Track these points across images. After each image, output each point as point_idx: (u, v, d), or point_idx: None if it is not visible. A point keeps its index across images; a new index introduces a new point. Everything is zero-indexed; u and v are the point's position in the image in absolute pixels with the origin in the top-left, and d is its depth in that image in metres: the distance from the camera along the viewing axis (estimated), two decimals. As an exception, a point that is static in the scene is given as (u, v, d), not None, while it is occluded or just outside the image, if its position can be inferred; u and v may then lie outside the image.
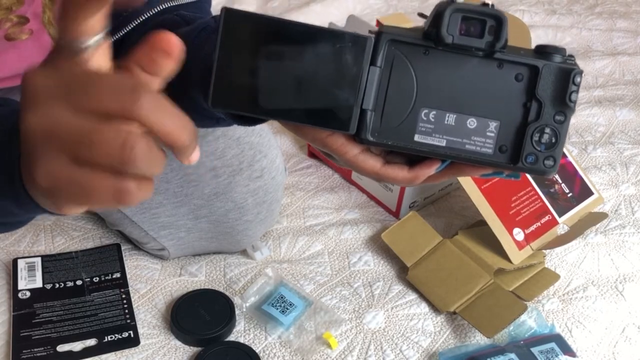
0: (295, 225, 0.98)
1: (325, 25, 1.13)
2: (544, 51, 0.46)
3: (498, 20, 0.44)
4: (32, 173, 0.39)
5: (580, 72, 0.46)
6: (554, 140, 0.46)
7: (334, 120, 0.46)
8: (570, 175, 0.97)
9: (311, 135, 0.50)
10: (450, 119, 0.47)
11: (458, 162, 0.48)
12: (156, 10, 0.74)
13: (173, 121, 0.37)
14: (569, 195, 0.96)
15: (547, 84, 0.46)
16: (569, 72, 0.45)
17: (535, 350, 0.77)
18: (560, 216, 0.94)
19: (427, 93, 0.46)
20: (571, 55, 0.47)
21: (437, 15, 0.45)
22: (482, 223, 0.90)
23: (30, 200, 0.46)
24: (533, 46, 0.48)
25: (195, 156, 0.40)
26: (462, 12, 0.44)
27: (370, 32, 0.48)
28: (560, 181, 0.96)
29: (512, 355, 0.76)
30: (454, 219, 0.99)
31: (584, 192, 0.97)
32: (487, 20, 0.44)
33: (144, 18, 0.75)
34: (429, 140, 0.47)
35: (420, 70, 0.46)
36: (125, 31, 0.75)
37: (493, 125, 0.47)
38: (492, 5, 0.45)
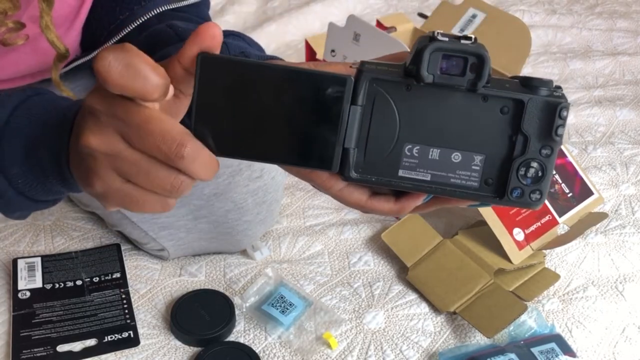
0: (295, 225, 0.98)
1: (325, 26, 1.13)
2: (529, 84, 0.45)
3: (480, 58, 0.43)
4: (87, 181, 0.47)
5: (567, 106, 0.45)
6: (540, 174, 0.46)
7: (317, 160, 0.46)
8: (570, 175, 0.97)
9: (295, 170, 0.50)
10: (435, 153, 0.47)
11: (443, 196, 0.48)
12: (152, 14, 0.74)
13: (206, 169, 0.44)
14: (569, 195, 0.95)
15: (533, 118, 0.45)
16: (555, 105, 0.45)
17: (535, 350, 0.77)
18: (560, 216, 0.94)
19: (410, 128, 0.46)
20: (558, 87, 0.46)
21: (417, 54, 0.44)
22: (482, 223, 0.90)
23: (75, 184, 0.54)
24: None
25: None
26: (442, 51, 0.43)
27: (352, 66, 0.47)
28: (560, 181, 0.96)
29: (512, 356, 0.76)
30: (454, 219, 0.99)
31: (584, 192, 0.97)
32: (469, 58, 0.44)
33: (141, 21, 0.75)
34: (413, 175, 0.47)
35: (402, 106, 0.46)
36: (123, 34, 0.75)
37: (478, 158, 0.47)
38: (475, 39, 0.44)
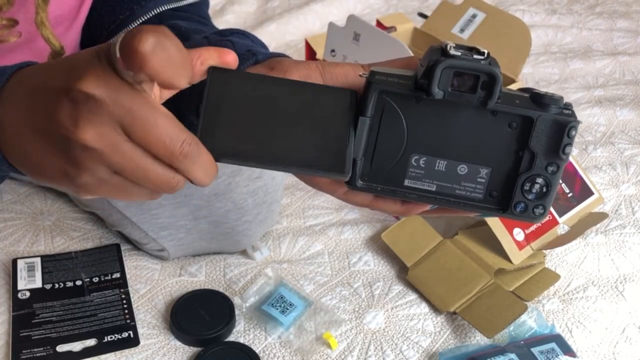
0: (295, 225, 0.98)
1: (325, 26, 1.13)
2: (540, 101, 0.45)
3: (492, 77, 0.43)
4: (68, 172, 0.43)
5: (576, 125, 0.45)
6: (545, 190, 0.46)
7: (328, 166, 0.45)
8: (571, 175, 0.97)
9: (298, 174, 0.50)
10: (441, 165, 0.47)
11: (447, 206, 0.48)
12: (152, 14, 0.74)
13: (205, 172, 0.42)
14: (569, 195, 0.95)
15: (541, 136, 0.45)
16: (564, 124, 0.44)
17: (535, 350, 0.77)
18: (560, 216, 0.94)
19: (418, 140, 0.46)
20: (568, 104, 0.45)
21: (429, 69, 0.43)
22: (482, 223, 0.90)
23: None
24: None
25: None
26: (454, 68, 0.43)
27: (361, 75, 0.47)
28: (560, 181, 0.96)
29: (513, 356, 0.76)
30: (454, 219, 0.99)
31: (584, 192, 0.97)
32: (481, 76, 0.43)
33: (141, 21, 0.75)
34: (419, 185, 0.47)
35: (411, 118, 0.46)
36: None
37: (484, 171, 0.47)
38: (487, 55, 0.43)
